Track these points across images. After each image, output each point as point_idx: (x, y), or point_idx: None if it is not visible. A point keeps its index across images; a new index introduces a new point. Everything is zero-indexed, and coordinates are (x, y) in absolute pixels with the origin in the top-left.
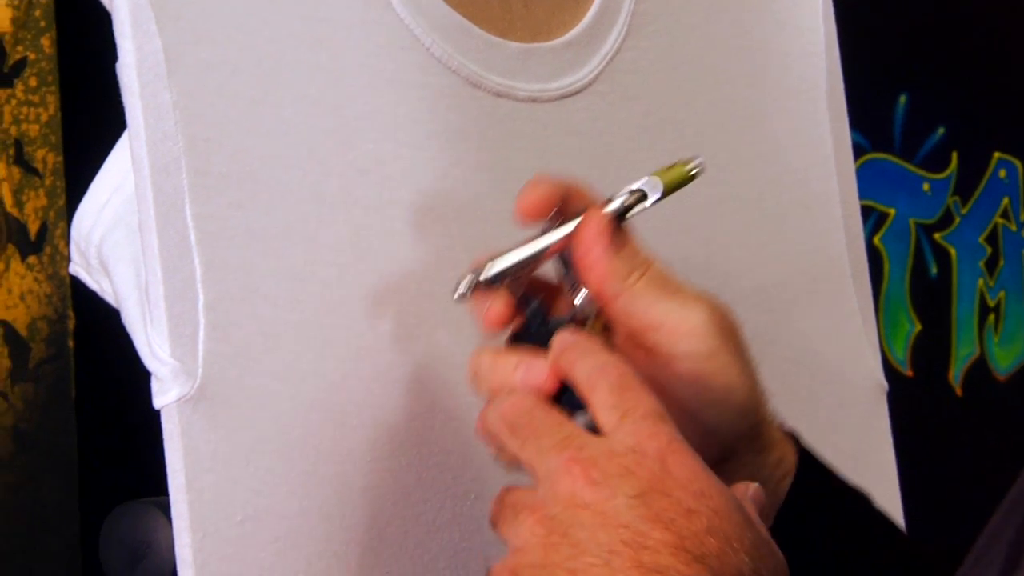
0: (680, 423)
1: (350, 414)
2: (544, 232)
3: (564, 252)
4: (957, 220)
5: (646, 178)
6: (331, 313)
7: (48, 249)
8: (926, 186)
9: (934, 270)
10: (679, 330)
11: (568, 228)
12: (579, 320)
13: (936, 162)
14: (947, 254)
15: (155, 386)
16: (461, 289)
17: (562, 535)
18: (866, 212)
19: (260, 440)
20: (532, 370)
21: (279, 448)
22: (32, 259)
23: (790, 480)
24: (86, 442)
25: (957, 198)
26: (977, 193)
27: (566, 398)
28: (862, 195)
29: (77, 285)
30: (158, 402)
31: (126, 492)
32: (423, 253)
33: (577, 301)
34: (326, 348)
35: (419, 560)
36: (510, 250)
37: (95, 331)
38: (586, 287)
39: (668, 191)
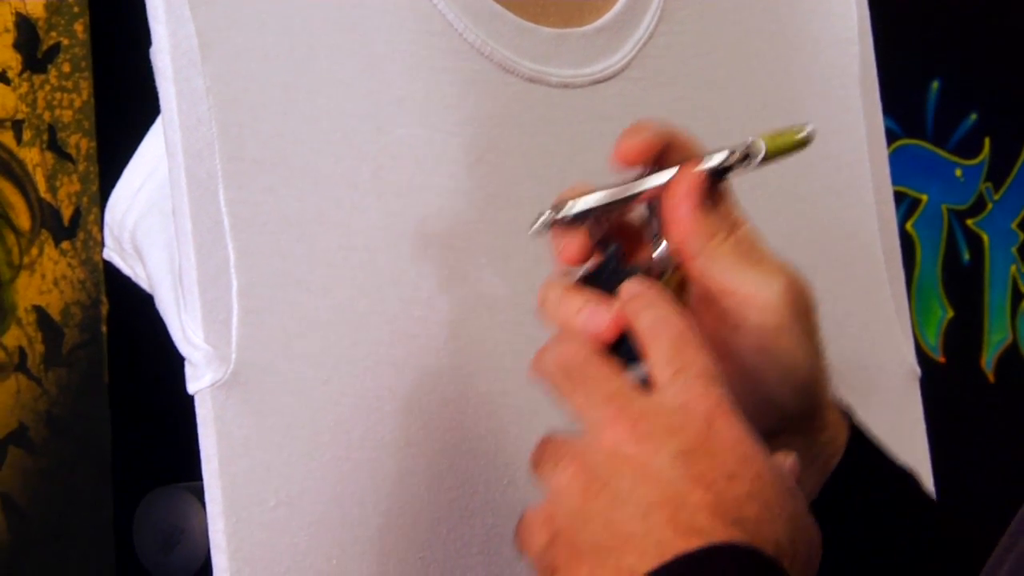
0: (739, 390)
1: (383, 399)
2: (638, 178)
3: (653, 201)
4: (990, 206)
5: (751, 139)
6: (364, 298)
7: (81, 234)
8: (959, 172)
9: (966, 256)
10: (752, 300)
11: (661, 178)
12: (655, 273)
13: (969, 148)
14: (979, 240)
15: (189, 371)
16: (537, 226)
17: (603, 484)
18: (898, 198)
19: (293, 425)
20: (596, 316)
21: (312, 433)
22: (65, 244)
23: (838, 459)
24: (119, 427)
25: (990, 184)
26: (1010, 179)
27: (625, 348)
28: (894, 181)
29: (110, 270)
30: (192, 387)
31: (159, 477)
32: (455, 239)
33: (656, 254)
34: (359, 333)
35: (452, 545)
36: (596, 190)
37: (128, 316)
38: (669, 241)
39: (771, 155)
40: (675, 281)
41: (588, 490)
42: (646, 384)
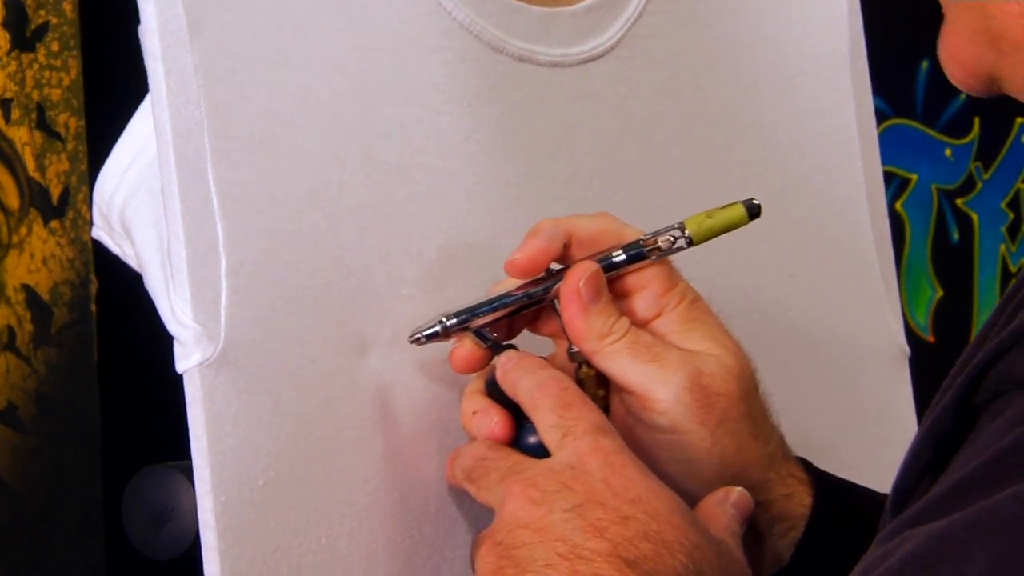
0: (659, 476)
1: (371, 378)
2: (538, 281)
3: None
4: (979, 186)
5: (672, 226)
6: (352, 277)
7: (70, 213)
8: (948, 152)
9: (956, 236)
10: (647, 400)
11: (539, 289)
12: (576, 365)
13: (958, 127)
14: (969, 220)
15: (177, 350)
16: (414, 335)
17: (508, 558)
18: (888, 178)
19: (282, 404)
20: (486, 419)
21: (301, 412)
22: (54, 224)
23: (805, 519)
24: (108, 406)
25: (979, 164)
26: (999, 158)
27: (530, 425)
28: (884, 161)
29: (99, 249)
30: (180, 366)
31: (148, 456)
32: (444, 217)
33: (569, 348)
34: (347, 312)
35: (441, 524)
36: (477, 303)
37: (117, 295)
38: (570, 340)
39: (703, 239)
40: (592, 374)
41: (497, 567)
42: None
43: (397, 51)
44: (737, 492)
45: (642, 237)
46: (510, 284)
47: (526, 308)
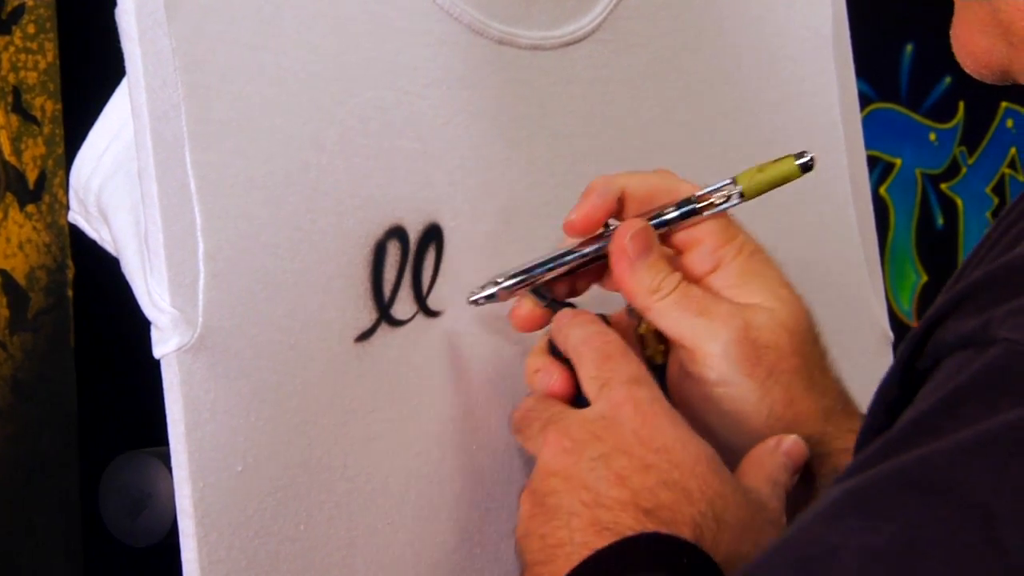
0: (703, 435)
1: (350, 363)
2: (586, 242)
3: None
4: (964, 170)
5: (728, 180)
6: (331, 262)
7: (47, 198)
8: (932, 136)
9: (941, 221)
10: (695, 353)
11: (592, 248)
12: (635, 320)
13: (943, 112)
14: (954, 204)
15: (155, 335)
16: (472, 297)
17: (540, 505)
18: (872, 162)
19: (260, 389)
20: (546, 376)
21: (279, 398)
22: (31, 208)
23: None
24: (85, 392)
25: (964, 148)
26: (984, 143)
27: None
28: (868, 145)
29: (76, 234)
30: (158, 351)
31: (126, 442)
32: (424, 202)
33: (627, 305)
34: (326, 297)
35: (420, 511)
36: (532, 263)
37: (94, 280)
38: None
39: (754, 194)
40: (651, 331)
41: (531, 513)
42: None
43: (376, 34)
44: (791, 440)
45: (694, 193)
46: (573, 244)
47: (583, 266)
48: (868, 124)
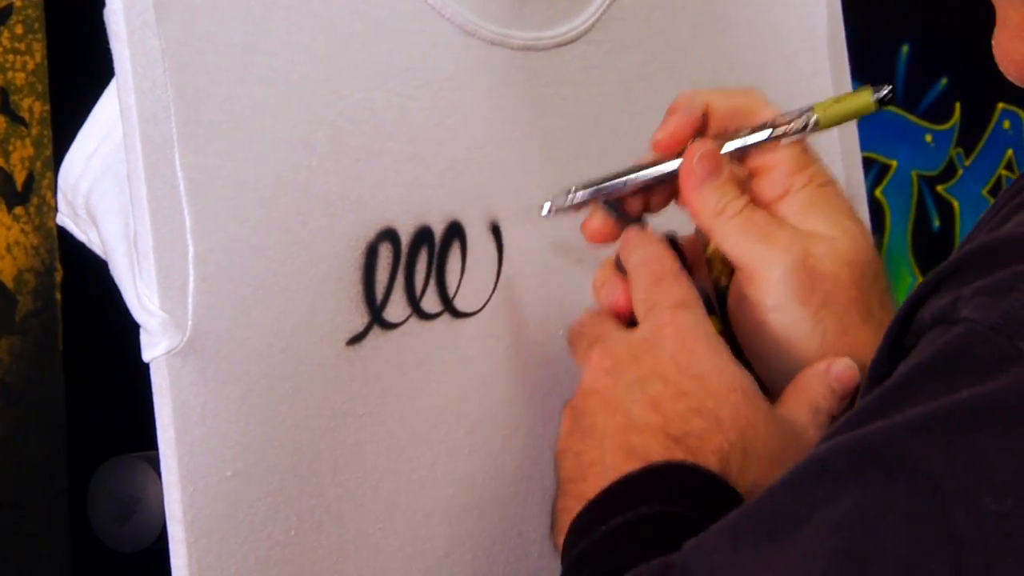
0: (756, 360)
1: (341, 367)
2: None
3: None
4: (960, 172)
5: (803, 109)
6: (322, 264)
7: (35, 200)
8: (929, 137)
9: (937, 223)
10: (752, 277)
11: (668, 166)
12: (704, 241)
13: (939, 113)
14: (950, 207)
15: (144, 339)
16: (543, 212)
17: (577, 423)
18: (867, 164)
19: (250, 393)
20: (610, 291)
21: (270, 401)
22: (19, 210)
23: None
24: (74, 396)
25: (960, 150)
26: (980, 144)
27: None
28: (863, 147)
29: (65, 236)
30: (147, 355)
31: (114, 447)
32: (415, 204)
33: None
34: (317, 300)
35: (412, 516)
36: (609, 175)
37: (83, 283)
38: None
39: (828, 125)
40: (717, 252)
41: (570, 429)
42: None
43: (367, 35)
44: (842, 363)
45: (772, 119)
46: (650, 159)
47: (657, 183)
48: (863, 125)
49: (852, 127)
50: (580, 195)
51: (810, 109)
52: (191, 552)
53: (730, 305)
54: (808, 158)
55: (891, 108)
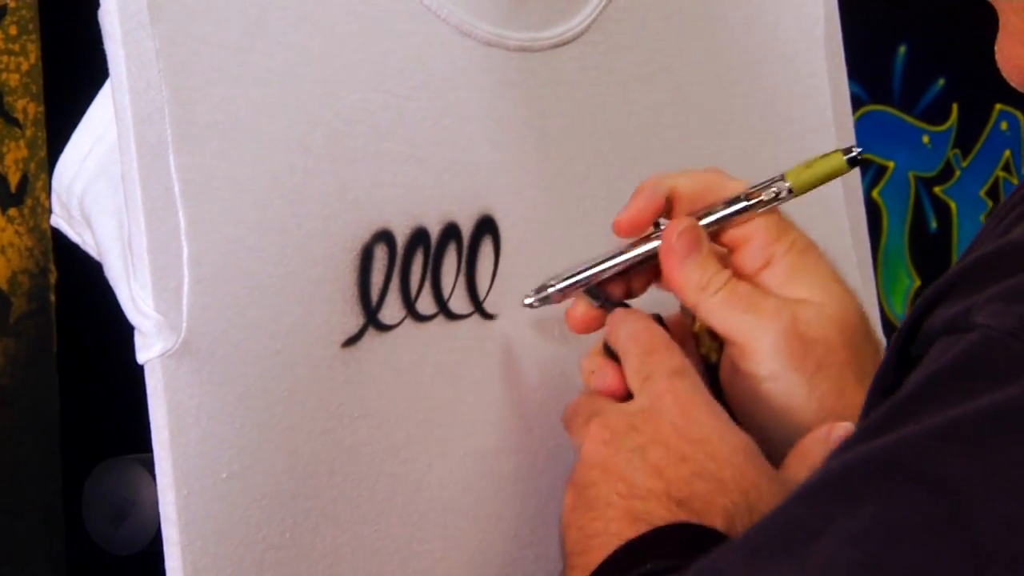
0: (756, 431)
1: (337, 369)
2: (644, 239)
3: None
4: (958, 173)
5: (774, 177)
6: (318, 266)
7: (29, 201)
8: (926, 138)
9: (934, 224)
10: (745, 349)
11: (645, 247)
12: (690, 319)
13: (936, 114)
14: (947, 208)
15: (138, 340)
16: (527, 300)
17: (579, 497)
18: (864, 165)
19: (245, 396)
20: (601, 375)
21: (265, 403)
22: (13, 212)
23: None
24: (68, 398)
25: (958, 151)
26: (978, 146)
27: None
28: (861, 148)
29: (59, 238)
30: (142, 357)
31: (109, 449)
32: (411, 205)
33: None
34: (313, 301)
35: (407, 518)
36: (587, 263)
37: (77, 285)
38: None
39: (802, 190)
40: (704, 328)
41: (572, 505)
42: None
43: (363, 35)
44: (843, 427)
45: (743, 191)
46: (625, 244)
47: (636, 266)
48: (861, 127)
49: (849, 128)
50: (559, 286)
51: (782, 177)
52: (186, 555)
53: (723, 379)
54: (786, 225)
55: (889, 109)
